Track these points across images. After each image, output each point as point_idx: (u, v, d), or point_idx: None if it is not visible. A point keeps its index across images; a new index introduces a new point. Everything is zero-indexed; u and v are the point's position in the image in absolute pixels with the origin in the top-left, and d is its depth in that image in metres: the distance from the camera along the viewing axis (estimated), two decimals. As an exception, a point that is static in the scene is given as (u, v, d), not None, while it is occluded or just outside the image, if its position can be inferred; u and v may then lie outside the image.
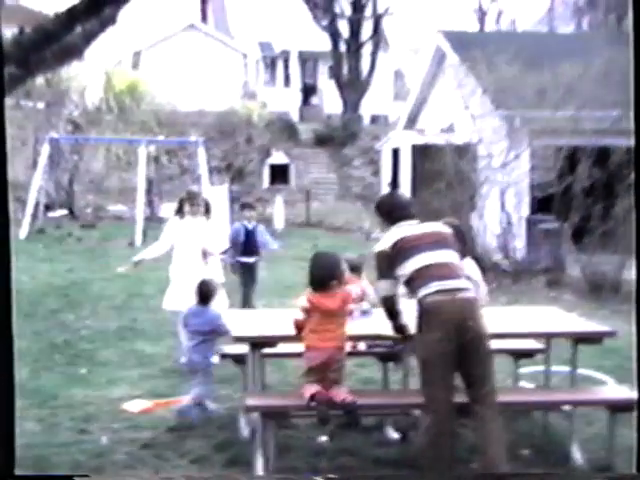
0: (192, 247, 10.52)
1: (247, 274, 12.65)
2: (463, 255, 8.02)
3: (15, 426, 4.85)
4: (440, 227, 6.82)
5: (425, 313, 6.22)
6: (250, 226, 12.74)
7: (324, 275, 6.62)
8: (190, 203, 10.63)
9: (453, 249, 6.59)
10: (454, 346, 6.11)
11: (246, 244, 12.60)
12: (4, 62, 6.16)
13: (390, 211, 6.82)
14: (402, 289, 8.08)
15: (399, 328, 6.68)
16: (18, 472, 6.35)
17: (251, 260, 12.69)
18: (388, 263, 6.50)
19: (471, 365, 6.23)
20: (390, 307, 6.62)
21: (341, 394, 6.60)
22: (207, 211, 10.72)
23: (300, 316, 6.61)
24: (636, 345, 5.63)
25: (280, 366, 9.46)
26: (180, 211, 10.69)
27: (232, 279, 11.78)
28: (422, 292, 6.25)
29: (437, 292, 6.20)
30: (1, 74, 5.10)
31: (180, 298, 10.57)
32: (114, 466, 6.99)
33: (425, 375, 6.24)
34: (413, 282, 6.35)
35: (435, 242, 6.52)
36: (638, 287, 5.72)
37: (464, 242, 8.14)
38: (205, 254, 10.57)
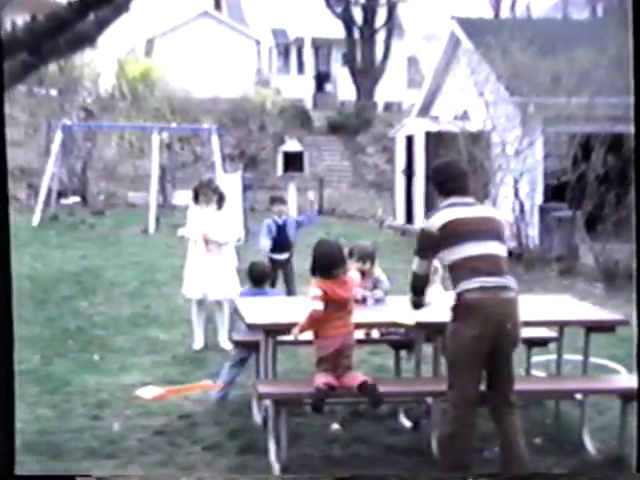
0: (209, 235, 10.60)
1: (281, 271, 12.01)
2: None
3: (15, 426, 4.85)
4: (494, 213, 6.57)
5: (464, 307, 6.03)
6: (280, 221, 12.01)
7: (331, 262, 6.64)
8: (207, 190, 10.68)
9: (503, 240, 6.34)
10: (488, 345, 5.99)
11: (277, 240, 11.89)
12: (4, 56, 6.14)
13: (444, 181, 6.44)
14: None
15: (417, 305, 6.65)
16: (31, 461, 6.40)
17: (284, 257, 12.01)
18: (432, 244, 6.24)
19: (501, 365, 6.16)
20: (420, 286, 6.52)
21: (357, 378, 6.60)
22: (220, 199, 10.76)
23: (319, 307, 6.54)
24: (637, 333, 5.62)
25: (293, 354, 9.45)
26: (197, 198, 10.74)
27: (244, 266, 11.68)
28: (464, 285, 6.04)
29: (480, 289, 6.01)
30: (1, 69, 5.08)
31: (198, 286, 10.63)
32: (127, 453, 7.00)
33: (455, 368, 6.12)
34: (456, 270, 6.13)
35: (487, 231, 6.22)
36: (638, 275, 5.72)
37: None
38: (218, 244, 10.61)
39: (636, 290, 5.64)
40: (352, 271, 7.05)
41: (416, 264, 6.40)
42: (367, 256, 8.08)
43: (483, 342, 5.97)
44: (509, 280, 6.17)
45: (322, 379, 6.55)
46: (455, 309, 6.09)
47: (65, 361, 9.96)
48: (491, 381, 6.21)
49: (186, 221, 11.03)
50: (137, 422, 7.82)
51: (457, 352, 6.05)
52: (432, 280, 8.42)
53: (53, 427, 7.56)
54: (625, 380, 7.77)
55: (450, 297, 8.09)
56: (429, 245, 6.26)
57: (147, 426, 7.68)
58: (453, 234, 6.12)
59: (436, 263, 8.49)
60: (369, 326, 7.86)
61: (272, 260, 11.55)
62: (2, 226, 4.70)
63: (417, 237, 6.45)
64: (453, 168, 6.69)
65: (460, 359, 6.05)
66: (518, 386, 7.48)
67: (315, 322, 6.59)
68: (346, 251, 7.71)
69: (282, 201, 12.45)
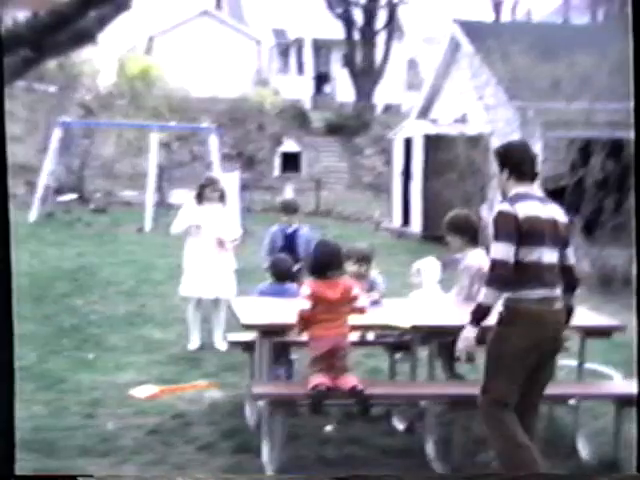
0: (209, 234, 10.55)
1: None
2: (475, 245, 8.05)
3: (15, 427, 4.84)
4: (563, 216, 6.04)
5: (521, 316, 5.78)
6: (290, 229, 10.49)
7: (325, 263, 6.66)
8: (211, 189, 10.66)
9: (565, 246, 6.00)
10: (538, 356, 5.88)
11: (283, 252, 10.11)
12: (4, 52, 6.13)
13: (518, 163, 5.97)
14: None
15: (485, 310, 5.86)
16: (24, 458, 6.38)
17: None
18: (514, 226, 5.72)
19: (542, 374, 6.03)
20: (506, 276, 5.75)
21: (349, 382, 6.59)
22: (222, 198, 10.77)
23: (306, 306, 6.56)
24: (636, 338, 5.60)
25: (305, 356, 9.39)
26: (200, 196, 10.70)
27: (241, 266, 11.59)
28: (525, 294, 5.77)
29: (541, 300, 5.80)
30: (1, 64, 5.07)
31: (196, 285, 10.62)
32: (120, 451, 6.99)
33: (501, 372, 5.89)
34: (519, 273, 5.75)
35: (558, 237, 5.91)
36: (638, 281, 5.69)
37: (473, 232, 8.16)
38: (221, 242, 10.58)
39: (636, 296, 5.63)
40: (355, 284, 6.97)
41: (501, 250, 5.74)
42: (364, 258, 8.07)
43: (534, 353, 5.85)
44: (560, 291, 5.99)
45: (317, 380, 6.54)
46: (510, 315, 5.83)
47: (60, 359, 9.95)
48: (527, 388, 6.02)
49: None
50: (131, 421, 7.80)
51: (506, 359, 5.86)
52: (419, 282, 8.44)
53: (47, 425, 7.54)
54: (620, 386, 7.78)
55: (447, 299, 8.14)
56: (513, 230, 5.72)
57: (141, 425, 7.67)
58: (530, 233, 5.76)
59: (419, 264, 8.50)
60: (365, 328, 7.86)
61: None
62: (3, 225, 4.69)
63: (497, 221, 5.79)
64: (528, 149, 6.26)
65: (507, 366, 5.87)
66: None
67: (302, 321, 6.62)
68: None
69: (294, 209, 10.70)
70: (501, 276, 5.74)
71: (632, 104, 5.26)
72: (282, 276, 8.65)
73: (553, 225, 5.88)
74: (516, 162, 5.98)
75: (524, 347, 5.80)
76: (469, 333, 5.85)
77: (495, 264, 5.75)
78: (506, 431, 5.92)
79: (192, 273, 10.68)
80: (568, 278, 6.03)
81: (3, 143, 4.84)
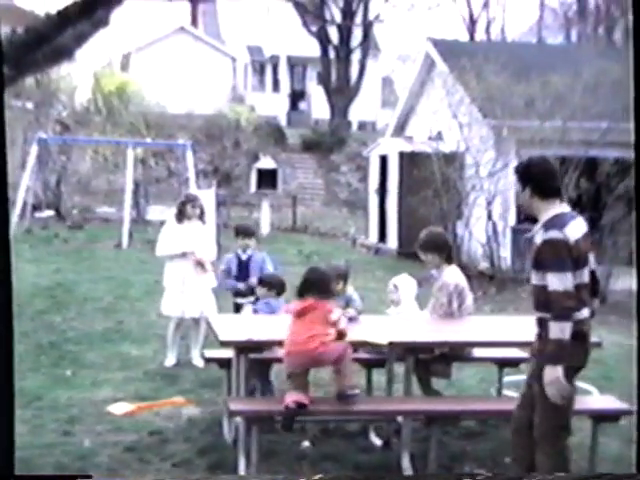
0: (190, 253, 10.52)
1: None
2: (448, 262, 8.11)
3: (15, 427, 4.86)
4: (585, 226, 5.87)
5: (574, 338, 5.58)
6: (244, 256, 10.19)
7: (306, 287, 6.87)
8: (191, 206, 10.61)
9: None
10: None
11: (238, 280, 10.07)
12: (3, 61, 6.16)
13: (544, 179, 5.81)
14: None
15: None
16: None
17: (243, 300, 9.77)
18: (567, 253, 5.57)
19: None
20: (572, 306, 5.58)
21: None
22: (202, 215, 10.76)
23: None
24: (636, 356, 5.64)
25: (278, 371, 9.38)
26: (180, 214, 10.65)
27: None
28: (575, 316, 5.59)
29: (585, 320, 5.70)
30: (1, 72, 5.10)
31: (178, 304, 10.58)
32: (97, 468, 6.99)
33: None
34: None
35: (589, 253, 5.81)
36: (639, 300, 5.68)
37: (449, 250, 8.23)
38: (201, 263, 10.54)
39: (636, 312, 5.65)
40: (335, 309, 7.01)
41: (561, 280, 5.55)
42: (340, 276, 8.11)
43: (579, 371, 5.84)
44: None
45: (292, 397, 6.59)
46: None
47: (38, 376, 9.93)
48: None
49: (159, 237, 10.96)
50: (108, 438, 7.80)
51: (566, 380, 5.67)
52: (397, 299, 8.47)
53: (24, 442, 7.49)
54: (597, 401, 7.84)
55: (423, 315, 8.19)
56: (568, 257, 5.57)
57: (118, 442, 7.67)
58: (579, 256, 5.65)
59: (396, 281, 8.54)
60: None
61: (236, 305, 10.04)
62: (3, 239, 4.71)
63: (550, 250, 5.61)
64: (550, 165, 6.05)
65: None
66: (490, 406, 7.57)
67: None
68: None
69: (248, 233, 10.38)
70: (568, 307, 5.57)
71: (632, 120, 5.30)
72: (280, 290, 8.72)
73: (590, 243, 5.83)
74: (540, 178, 5.82)
75: (576, 368, 5.78)
76: (555, 374, 5.60)
77: (559, 296, 5.56)
78: (563, 453, 5.90)
79: (173, 292, 10.64)
80: (592, 283, 5.92)
81: (3, 150, 4.85)
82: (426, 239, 8.14)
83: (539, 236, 5.73)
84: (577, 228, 5.72)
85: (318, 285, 6.87)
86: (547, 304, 5.65)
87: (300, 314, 6.81)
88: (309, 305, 6.79)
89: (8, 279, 4.80)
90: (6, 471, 4.87)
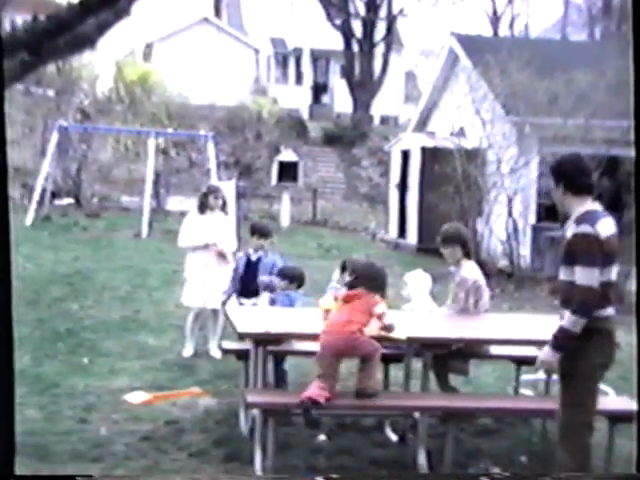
0: (212, 243, 10.49)
1: None
2: (467, 258, 8.11)
3: (15, 428, 4.86)
4: (615, 227, 5.90)
5: (596, 335, 5.70)
6: (254, 256, 9.76)
7: (359, 280, 7.06)
8: (214, 197, 10.59)
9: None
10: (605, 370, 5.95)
11: (244, 280, 9.72)
12: (4, 55, 6.16)
13: (574, 177, 5.87)
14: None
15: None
16: (17, 461, 6.38)
17: (249, 302, 9.53)
18: (597, 249, 5.64)
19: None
20: (593, 303, 5.68)
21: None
22: (225, 206, 10.73)
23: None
24: (637, 354, 5.63)
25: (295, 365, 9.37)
26: (203, 205, 10.63)
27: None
28: (599, 312, 5.70)
29: (611, 318, 5.80)
30: (1, 67, 5.10)
31: (199, 295, 10.56)
32: (113, 457, 7.01)
33: (582, 394, 5.83)
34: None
35: (618, 252, 5.82)
36: (638, 298, 5.70)
37: (469, 245, 8.22)
38: (223, 254, 10.52)
39: (636, 314, 5.64)
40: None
41: (588, 275, 5.64)
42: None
43: (605, 369, 5.92)
44: None
45: (310, 392, 6.58)
46: (588, 335, 5.69)
47: (54, 363, 9.96)
48: None
49: (179, 227, 10.97)
50: (124, 427, 7.82)
51: (587, 378, 5.83)
52: (406, 295, 8.45)
53: (41, 429, 7.55)
54: (614, 402, 7.80)
55: (442, 311, 8.17)
56: (597, 253, 5.64)
57: (134, 431, 7.68)
58: (608, 252, 5.71)
59: (407, 277, 8.51)
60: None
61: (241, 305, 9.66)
62: (3, 228, 4.71)
63: (581, 244, 5.66)
64: (582, 162, 6.10)
65: (589, 385, 5.87)
66: (506, 404, 7.55)
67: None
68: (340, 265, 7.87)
69: (263, 233, 9.85)
70: (589, 303, 5.65)
71: (632, 119, 5.27)
72: (297, 280, 8.71)
73: (619, 241, 5.82)
74: (572, 175, 5.87)
75: (602, 364, 5.85)
76: (550, 357, 5.78)
77: (582, 291, 5.63)
78: (584, 450, 5.90)
79: (194, 283, 10.63)
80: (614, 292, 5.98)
81: (3, 147, 4.86)
82: (447, 232, 8.17)
83: (570, 230, 5.77)
84: (608, 226, 5.76)
85: (372, 280, 7.02)
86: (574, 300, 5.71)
87: (347, 300, 6.92)
88: (357, 293, 6.91)
89: (8, 278, 4.79)
90: (6, 471, 4.87)
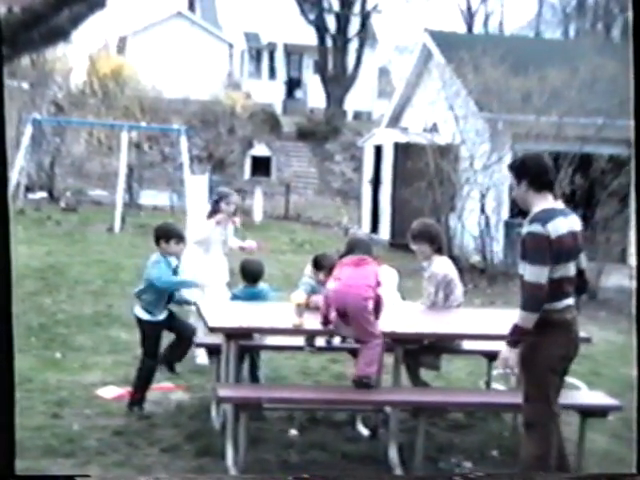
0: (216, 245, 10.29)
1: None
2: (439, 253, 8.15)
3: (15, 427, 4.85)
4: (579, 222, 6.11)
5: (553, 327, 5.84)
6: (174, 263, 8.50)
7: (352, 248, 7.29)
8: (225, 203, 10.29)
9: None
10: (567, 362, 6.05)
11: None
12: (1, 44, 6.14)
13: (539, 174, 6.00)
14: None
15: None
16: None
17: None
18: (546, 248, 5.74)
19: (562, 381, 6.14)
20: (541, 298, 5.78)
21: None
22: (235, 212, 10.49)
23: None
24: (636, 353, 5.66)
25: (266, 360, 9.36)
26: (214, 212, 10.18)
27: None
28: (554, 305, 5.84)
29: (567, 309, 5.92)
30: (0, 68, 5.08)
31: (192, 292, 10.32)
32: (85, 452, 6.98)
33: (542, 384, 5.94)
34: (549, 287, 5.78)
35: (577, 247, 6.00)
36: (638, 298, 5.73)
37: (440, 241, 8.25)
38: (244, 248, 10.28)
39: (636, 314, 5.68)
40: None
41: (536, 272, 5.77)
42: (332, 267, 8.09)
43: (566, 360, 6.02)
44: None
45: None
46: (544, 327, 5.81)
47: (27, 358, 9.90)
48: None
49: (152, 222, 10.84)
50: (96, 422, 7.80)
51: (545, 369, 5.92)
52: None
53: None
54: (585, 396, 7.85)
55: (410, 306, 8.19)
56: (546, 252, 5.76)
57: (106, 426, 7.66)
58: (561, 251, 5.83)
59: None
60: (331, 334, 7.90)
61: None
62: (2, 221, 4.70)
63: (530, 242, 5.83)
64: (545, 160, 6.21)
65: (548, 376, 5.94)
66: (478, 398, 7.58)
67: None
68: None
69: (170, 236, 8.39)
70: (537, 298, 5.78)
71: (632, 114, 5.33)
72: (254, 278, 8.65)
73: (576, 239, 5.95)
74: (535, 173, 6.01)
75: (560, 355, 5.95)
76: (508, 354, 5.92)
77: (530, 287, 5.79)
78: (548, 440, 5.97)
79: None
80: (579, 282, 6.11)
81: (3, 142, 4.84)
82: (417, 229, 8.20)
83: (524, 228, 5.94)
84: (564, 224, 5.87)
85: (364, 247, 7.25)
86: None
87: (357, 264, 7.00)
88: (366, 259, 7.05)
89: (7, 277, 4.78)
90: (6, 471, 4.86)
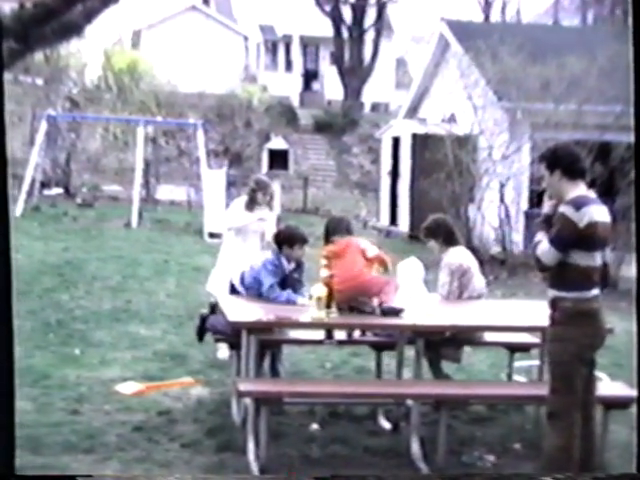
0: (253, 236, 10.25)
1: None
2: (452, 245, 8.17)
3: (15, 428, 4.81)
4: (608, 215, 6.02)
5: (580, 315, 5.88)
6: (292, 266, 8.26)
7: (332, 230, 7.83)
8: (263, 193, 10.17)
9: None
10: (593, 352, 6.03)
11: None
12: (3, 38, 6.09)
13: (572, 162, 5.99)
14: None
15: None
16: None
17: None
18: (569, 233, 5.76)
19: (591, 369, 6.09)
20: (542, 269, 6.00)
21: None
22: (271, 201, 10.37)
23: None
24: (637, 342, 5.61)
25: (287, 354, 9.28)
26: (252, 202, 10.08)
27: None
28: (582, 294, 5.88)
29: (595, 298, 5.92)
30: (0, 67, 5.04)
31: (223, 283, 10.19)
32: (105, 448, 6.96)
33: (567, 375, 5.93)
34: (576, 275, 5.85)
35: (606, 238, 6.01)
36: (638, 285, 5.70)
37: (449, 234, 8.26)
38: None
39: (636, 301, 5.63)
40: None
41: (548, 253, 5.87)
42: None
43: (593, 350, 6.01)
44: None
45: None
46: (571, 316, 5.88)
47: (46, 354, 9.89)
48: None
49: (169, 217, 10.80)
50: (116, 417, 7.77)
51: (572, 358, 5.90)
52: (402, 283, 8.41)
53: (32, 421, 7.49)
54: (608, 388, 7.76)
55: (428, 298, 8.14)
56: (570, 238, 5.78)
57: (126, 422, 7.64)
58: (592, 239, 5.83)
59: (401, 265, 8.49)
60: (351, 327, 7.86)
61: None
62: (2, 219, 4.66)
63: (557, 222, 5.83)
64: (576, 149, 6.29)
65: (574, 365, 5.92)
66: (500, 391, 7.52)
67: None
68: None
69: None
70: (542, 266, 5.96)
71: (632, 104, 5.26)
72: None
73: (607, 229, 5.94)
74: (568, 161, 5.98)
75: (587, 344, 5.93)
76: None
77: (537, 260, 5.94)
78: (571, 431, 5.93)
79: (224, 271, 10.12)
80: (602, 275, 6.11)
81: (3, 141, 4.80)
82: (425, 227, 8.44)
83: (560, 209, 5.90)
84: (598, 212, 5.84)
85: (342, 226, 7.69)
86: (561, 281, 5.90)
87: (340, 254, 7.23)
88: (347, 244, 7.31)
89: (7, 273, 4.73)
90: (6, 471, 4.82)
